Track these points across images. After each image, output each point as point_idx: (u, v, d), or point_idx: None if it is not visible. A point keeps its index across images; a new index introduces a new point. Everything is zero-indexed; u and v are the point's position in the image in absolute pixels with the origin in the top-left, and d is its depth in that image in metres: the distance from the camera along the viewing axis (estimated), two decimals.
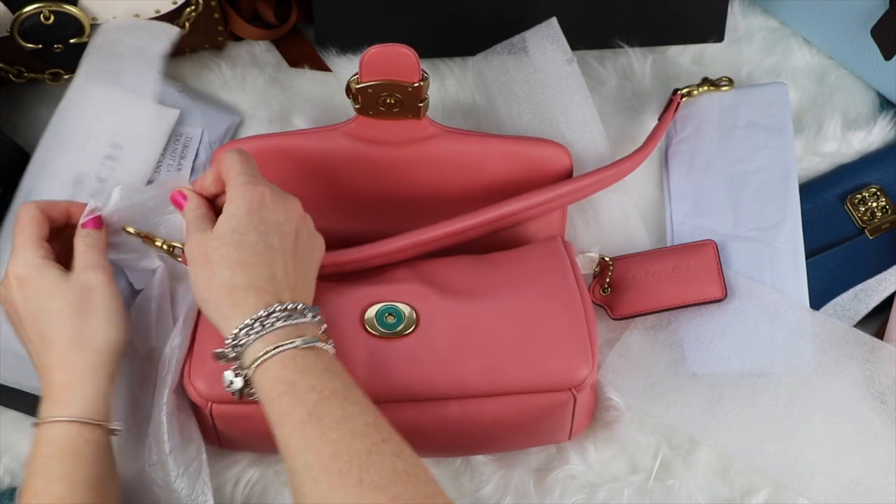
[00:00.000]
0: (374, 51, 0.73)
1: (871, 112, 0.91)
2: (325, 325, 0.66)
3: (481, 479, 0.77)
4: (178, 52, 0.89)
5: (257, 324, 0.63)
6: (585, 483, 0.77)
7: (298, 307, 0.64)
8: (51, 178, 0.80)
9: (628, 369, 0.78)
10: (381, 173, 0.79)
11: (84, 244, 0.70)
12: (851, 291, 0.81)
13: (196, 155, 0.85)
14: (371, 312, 0.71)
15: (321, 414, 0.60)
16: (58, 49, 0.83)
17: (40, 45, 0.82)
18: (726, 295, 0.79)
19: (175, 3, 0.83)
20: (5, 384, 0.76)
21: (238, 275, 0.64)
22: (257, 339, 0.63)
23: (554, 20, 0.86)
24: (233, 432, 0.73)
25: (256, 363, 0.62)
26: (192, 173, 0.84)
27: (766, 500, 0.76)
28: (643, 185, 0.87)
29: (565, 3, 0.87)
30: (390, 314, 0.71)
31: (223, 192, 0.69)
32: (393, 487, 0.57)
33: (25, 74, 0.86)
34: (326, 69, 0.91)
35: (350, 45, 0.90)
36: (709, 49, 0.93)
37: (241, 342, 0.63)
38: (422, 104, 0.76)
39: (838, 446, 0.76)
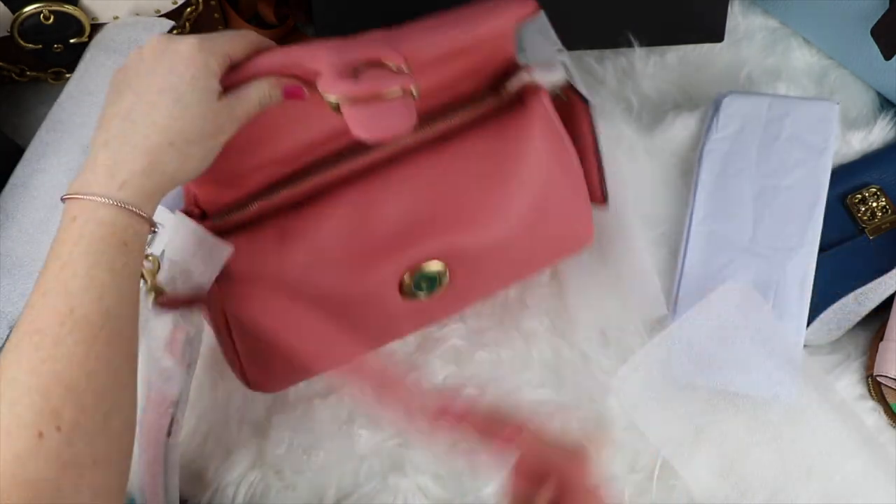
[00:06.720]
0: None
1: (871, 112, 0.91)
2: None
3: (483, 480, 0.77)
4: None
5: None
6: None
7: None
8: (55, 162, 0.78)
9: (631, 371, 0.79)
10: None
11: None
12: (852, 295, 0.81)
13: None
14: (407, 284, 0.70)
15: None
16: (58, 49, 0.83)
17: (40, 45, 0.82)
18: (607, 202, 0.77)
19: (175, 3, 0.83)
20: None
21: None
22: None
23: (542, 14, 0.85)
24: (253, 341, 0.68)
25: None
26: None
27: (765, 500, 0.76)
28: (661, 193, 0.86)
29: (565, 2, 0.87)
30: (424, 280, 0.71)
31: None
32: None
33: (27, 73, 0.86)
34: None
35: None
36: (709, 49, 0.93)
37: None
38: None
39: (838, 446, 0.76)
